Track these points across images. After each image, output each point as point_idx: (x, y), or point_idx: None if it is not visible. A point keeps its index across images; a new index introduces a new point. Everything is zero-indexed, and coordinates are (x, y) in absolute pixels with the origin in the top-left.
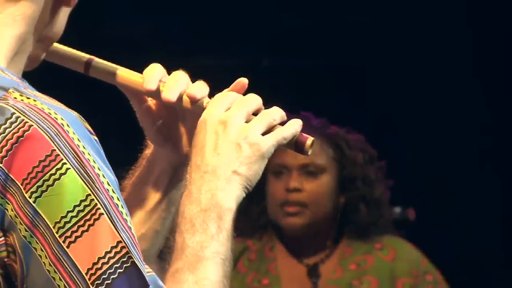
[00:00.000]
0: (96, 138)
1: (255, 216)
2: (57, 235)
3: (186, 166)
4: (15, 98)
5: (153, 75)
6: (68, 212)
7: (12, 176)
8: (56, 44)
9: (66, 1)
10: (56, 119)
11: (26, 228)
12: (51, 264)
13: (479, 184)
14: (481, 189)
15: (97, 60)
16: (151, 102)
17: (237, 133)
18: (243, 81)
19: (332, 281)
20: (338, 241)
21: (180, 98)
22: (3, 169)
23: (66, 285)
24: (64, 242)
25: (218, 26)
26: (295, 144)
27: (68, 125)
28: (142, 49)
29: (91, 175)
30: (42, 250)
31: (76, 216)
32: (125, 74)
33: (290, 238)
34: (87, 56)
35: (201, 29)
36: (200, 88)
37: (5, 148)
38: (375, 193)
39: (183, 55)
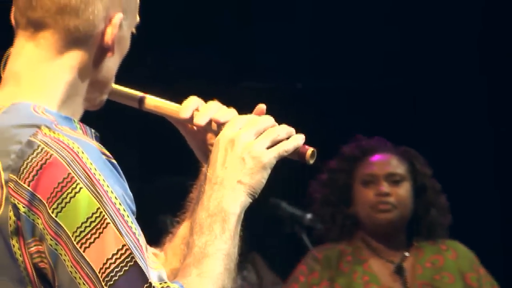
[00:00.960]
0: (113, 161)
1: (341, 222)
2: (75, 242)
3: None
4: (44, 133)
5: (188, 106)
6: (83, 223)
7: (39, 196)
8: (114, 85)
9: (110, 51)
10: (73, 148)
11: (51, 237)
12: (72, 266)
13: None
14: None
15: (148, 96)
16: (194, 128)
17: (242, 149)
18: (262, 107)
19: (418, 276)
20: (410, 242)
21: (209, 122)
22: (31, 191)
23: (84, 282)
24: (80, 247)
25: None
26: (298, 155)
27: (82, 152)
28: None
29: (100, 192)
30: (65, 255)
31: (89, 226)
32: (169, 107)
33: (378, 235)
34: (140, 93)
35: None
36: (225, 113)
37: (32, 173)
38: (441, 200)
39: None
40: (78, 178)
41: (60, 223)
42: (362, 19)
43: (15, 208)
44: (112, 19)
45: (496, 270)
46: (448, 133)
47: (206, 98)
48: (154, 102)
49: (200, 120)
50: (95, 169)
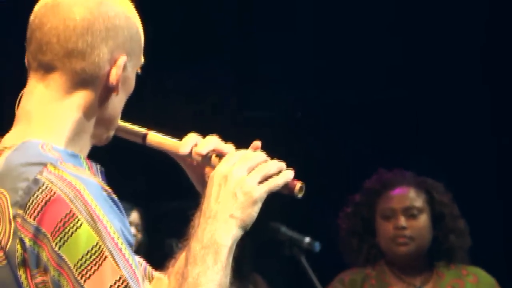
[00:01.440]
0: (113, 196)
1: (366, 251)
2: (76, 274)
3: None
4: (49, 170)
5: (187, 142)
6: (83, 256)
7: (43, 230)
8: (120, 122)
9: (115, 91)
10: (76, 185)
11: (55, 268)
12: None
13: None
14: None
15: (151, 133)
16: (194, 162)
17: (235, 184)
18: (257, 144)
19: None
20: (432, 267)
21: (206, 156)
22: (36, 225)
23: None
24: (81, 279)
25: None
26: (287, 189)
27: (84, 189)
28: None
29: (100, 227)
30: (67, 285)
31: (89, 259)
32: (170, 143)
33: (398, 265)
34: (144, 130)
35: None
36: (225, 148)
37: (37, 209)
38: (460, 225)
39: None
40: (80, 214)
41: (63, 255)
42: (365, 31)
43: (22, 242)
44: (117, 61)
45: (499, 279)
46: (451, 143)
47: (210, 126)
48: (156, 139)
49: (200, 150)
50: (96, 205)
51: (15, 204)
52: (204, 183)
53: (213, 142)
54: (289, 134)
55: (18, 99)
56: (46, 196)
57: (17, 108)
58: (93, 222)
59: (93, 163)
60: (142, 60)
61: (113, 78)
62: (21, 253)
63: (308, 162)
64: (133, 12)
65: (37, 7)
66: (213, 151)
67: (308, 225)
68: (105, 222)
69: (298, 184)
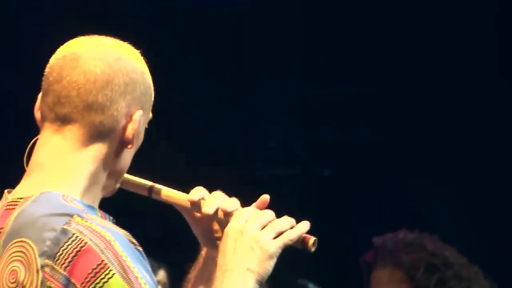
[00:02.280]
0: (139, 248)
1: None
2: None
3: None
4: (77, 222)
5: (195, 195)
6: None
7: (73, 281)
8: (126, 175)
9: (130, 144)
10: (105, 236)
11: None
12: None
13: None
14: None
15: (157, 186)
16: (199, 215)
17: (250, 239)
18: (266, 197)
19: None
20: None
21: (216, 211)
22: (67, 276)
23: None
24: None
25: None
26: (301, 244)
27: (114, 240)
28: None
29: (131, 278)
30: None
31: None
32: (176, 196)
33: None
34: (149, 183)
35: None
36: (231, 204)
37: (68, 260)
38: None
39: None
40: (111, 265)
41: None
42: None
43: None
44: (133, 115)
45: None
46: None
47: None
48: (162, 191)
49: (208, 209)
50: (126, 256)
51: (42, 254)
52: (208, 236)
53: (220, 196)
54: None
55: (27, 149)
56: (77, 246)
57: (26, 157)
58: (125, 273)
59: (106, 214)
60: (151, 115)
61: (129, 132)
62: None
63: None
64: (146, 68)
65: (53, 60)
66: (222, 206)
67: (335, 282)
68: (136, 274)
69: (312, 239)
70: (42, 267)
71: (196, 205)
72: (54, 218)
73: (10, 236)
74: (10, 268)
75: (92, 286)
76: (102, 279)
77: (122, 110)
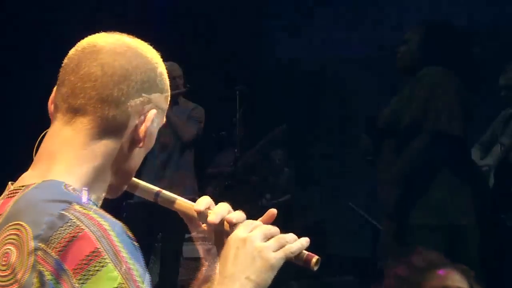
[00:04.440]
0: (135, 243)
1: None
2: None
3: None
4: (76, 209)
5: (202, 204)
6: None
7: (65, 266)
8: (134, 179)
9: (138, 143)
10: (103, 225)
11: None
12: None
13: None
14: None
15: (164, 192)
16: (204, 225)
17: (253, 248)
18: (273, 211)
19: None
20: None
21: (222, 222)
22: (58, 260)
23: None
24: None
25: None
26: (304, 262)
27: (111, 230)
28: None
29: (125, 268)
30: None
31: None
32: (182, 203)
33: None
34: (156, 188)
35: None
36: (237, 215)
37: (61, 244)
38: None
39: None
40: (106, 254)
41: None
42: None
43: (41, 275)
44: (147, 113)
45: None
46: None
47: None
48: (169, 198)
49: (214, 218)
50: (122, 247)
51: (36, 237)
52: (211, 252)
53: (226, 207)
54: None
55: (38, 139)
56: (72, 232)
57: (36, 147)
58: (119, 263)
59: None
60: (165, 119)
61: (141, 130)
62: (37, 287)
63: None
64: (165, 70)
65: (72, 51)
66: (228, 217)
67: None
68: (131, 265)
69: (315, 257)
70: (35, 250)
71: (202, 214)
72: (53, 203)
73: (7, 219)
74: (4, 250)
75: (84, 273)
76: (94, 267)
77: (136, 107)
